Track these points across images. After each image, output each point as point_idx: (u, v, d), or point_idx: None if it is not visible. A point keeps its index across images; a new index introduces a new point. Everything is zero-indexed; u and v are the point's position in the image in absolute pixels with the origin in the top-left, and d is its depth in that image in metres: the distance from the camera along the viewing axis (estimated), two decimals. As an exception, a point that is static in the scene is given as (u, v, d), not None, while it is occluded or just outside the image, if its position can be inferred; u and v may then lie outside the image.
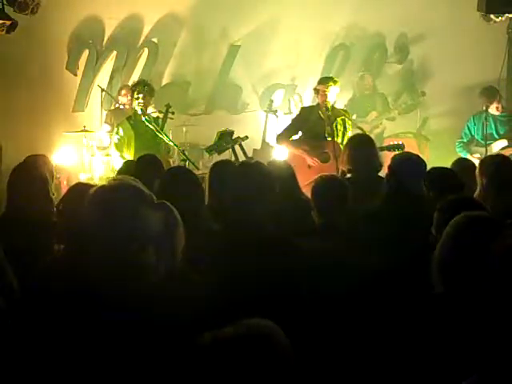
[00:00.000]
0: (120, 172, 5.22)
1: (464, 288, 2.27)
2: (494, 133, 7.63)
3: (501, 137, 7.61)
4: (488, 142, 7.49)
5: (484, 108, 7.56)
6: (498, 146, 7.53)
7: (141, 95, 6.55)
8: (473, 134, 7.73)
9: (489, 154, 7.09)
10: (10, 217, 3.86)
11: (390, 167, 4.22)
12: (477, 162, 6.66)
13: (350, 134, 6.49)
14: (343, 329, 2.82)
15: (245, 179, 3.49)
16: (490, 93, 7.66)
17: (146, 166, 4.59)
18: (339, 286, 2.93)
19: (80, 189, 3.14)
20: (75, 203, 2.93)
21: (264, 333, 1.59)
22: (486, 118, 7.51)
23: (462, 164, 4.99)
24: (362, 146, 5.04)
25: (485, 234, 2.27)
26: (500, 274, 1.81)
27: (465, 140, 7.78)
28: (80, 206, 2.71)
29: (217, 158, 7.32)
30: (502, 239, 1.88)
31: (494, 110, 7.64)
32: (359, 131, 6.63)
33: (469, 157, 7.52)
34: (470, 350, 2.13)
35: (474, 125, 7.71)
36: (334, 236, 3.41)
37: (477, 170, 4.51)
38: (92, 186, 3.03)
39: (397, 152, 5.75)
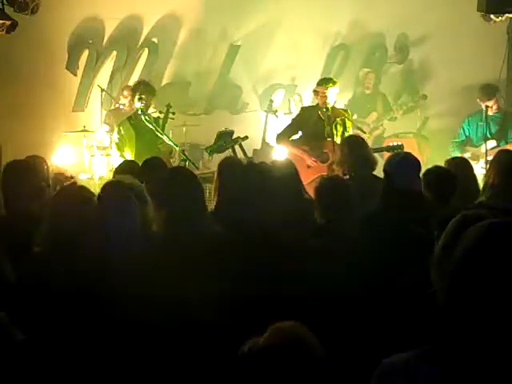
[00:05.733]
0: (117, 171, 5.18)
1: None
2: (488, 133, 7.55)
3: (492, 136, 7.51)
4: (480, 143, 7.42)
5: (484, 109, 7.48)
6: (488, 147, 7.45)
7: (142, 96, 6.54)
8: (467, 134, 7.62)
9: (479, 153, 7.12)
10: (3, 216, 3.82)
11: (384, 168, 4.22)
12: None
13: (350, 134, 6.49)
14: (344, 329, 2.81)
15: (246, 179, 3.50)
16: (488, 91, 7.57)
17: (152, 169, 4.56)
18: (340, 285, 2.93)
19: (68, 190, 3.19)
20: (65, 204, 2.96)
21: (295, 339, 1.60)
22: (481, 119, 7.46)
23: (456, 162, 4.99)
24: (356, 147, 5.06)
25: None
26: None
27: (459, 140, 7.67)
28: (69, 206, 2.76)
29: (217, 158, 7.31)
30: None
31: (491, 108, 7.50)
32: (359, 131, 6.64)
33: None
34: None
35: (469, 126, 7.62)
36: (336, 236, 3.41)
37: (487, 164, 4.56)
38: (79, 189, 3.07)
39: (395, 153, 5.75)
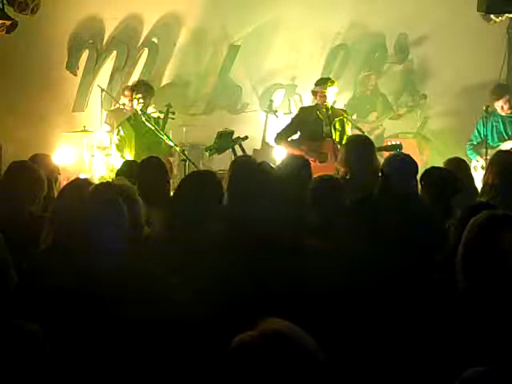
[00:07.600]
0: (119, 172, 5.21)
1: (487, 284, 2.29)
2: (504, 133, 7.51)
3: (509, 136, 7.46)
4: (497, 144, 7.39)
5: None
6: (505, 147, 7.41)
7: (140, 95, 6.55)
8: (482, 136, 7.53)
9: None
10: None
11: (381, 168, 4.22)
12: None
13: (349, 134, 6.48)
14: (344, 328, 2.81)
15: (246, 178, 3.49)
16: (499, 90, 7.52)
17: (151, 169, 4.55)
18: (339, 284, 2.94)
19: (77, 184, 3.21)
20: (72, 197, 2.97)
21: (279, 333, 1.58)
22: (496, 120, 7.43)
23: (456, 163, 4.99)
24: (359, 147, 5.03)
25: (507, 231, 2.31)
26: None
27: (475, 142, 7.61)
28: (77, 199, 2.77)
29: (217, 158, 7.32)
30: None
31: (501, 108, 7.46)
32: (358, 131, 6.64)
33: (479, 159, 7.38)
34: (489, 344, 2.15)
35: (484, 127, 7.54)
36: (332, 236, 3.42)
37: (484, 166, 4.56)
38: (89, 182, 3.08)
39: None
